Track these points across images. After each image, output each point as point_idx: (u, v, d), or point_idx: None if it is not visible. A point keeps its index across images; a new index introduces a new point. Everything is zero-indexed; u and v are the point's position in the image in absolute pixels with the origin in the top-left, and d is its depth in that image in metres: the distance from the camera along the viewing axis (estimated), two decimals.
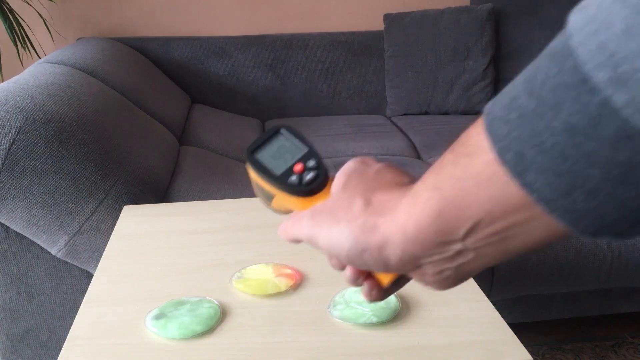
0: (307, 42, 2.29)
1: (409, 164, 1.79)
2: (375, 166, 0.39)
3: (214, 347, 0.66)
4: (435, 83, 2.22)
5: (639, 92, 0.21)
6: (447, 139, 2.00)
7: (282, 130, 0.46)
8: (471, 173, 0.28)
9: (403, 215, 0.32)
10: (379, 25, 2.33)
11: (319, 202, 0.40)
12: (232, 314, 0.72)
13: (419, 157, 1.95)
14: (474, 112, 2.25)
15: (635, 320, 1.71)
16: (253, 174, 0.44)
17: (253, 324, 0.70)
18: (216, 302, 0.73)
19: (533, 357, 1.25)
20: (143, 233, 0.92)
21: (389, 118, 2.31)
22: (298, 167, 0.43)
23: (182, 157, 1.62)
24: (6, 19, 1.92)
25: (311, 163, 0.43)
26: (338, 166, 1.74)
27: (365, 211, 0.34)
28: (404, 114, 2.29)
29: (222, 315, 0.71)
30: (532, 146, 0.25)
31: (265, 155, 0.44)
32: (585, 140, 0.23)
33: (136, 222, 0.96)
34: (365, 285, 0.38)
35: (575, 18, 0.24)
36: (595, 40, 0.22)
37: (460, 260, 0.31)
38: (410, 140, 2.05)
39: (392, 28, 2.24)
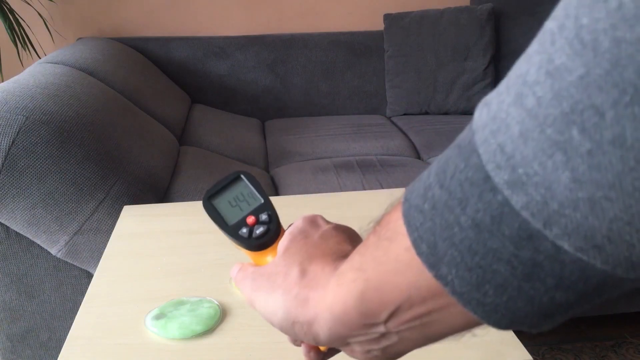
0: (307, 42, 2.28)
1: (409, 164, 1.79)
2: (322, 229, 0.40)
3: (214, 347, 0.66)
4: (435, 83, 2.22)
5: (536, 196, 0.21)
6: (447, 139, 2.00)
7: (242, 176, 0.45)
8: (391, 258, 0.29)
9: (331, 295, 0.32)
10: (379, 25, 2.33)
11: (268, 257, 0.42)
12: (232, 314, 0.72)
13: (419, 157, 1.95)
14: (473, 112, 2.24)
15: (635, 320, 1.71)
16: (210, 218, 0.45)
17: (253, 324, 0.70)
18: (216, 302, 0.73)
19: (533, 357, 1.25)
20: (143, 233, 0.92)
21: (389, 118, 2.31)
22: (250, 219, 0.43)
23: (182, 157, 1.62)
24: (6, 19, 1.92)
25: (263, 216, 0.43)
26: (338, 166, 1.74)
27: (300, 282, 0.35)
28: (404, 114, 2.29)
29: (222, 315, 0.71)
30: (443, 239, 0.25)
31: (222, 202, 0.44)
32: (489, 237, 0.23)
33: (136, 222, 0.96)
34: (304, 347, 0.39)
35: (480, 114, 0.25)
36: (494, 141, 0.23)
37: (385, 343, 0.31)
38: (410, 140, 2.05)
39: (392, 28, 2.24)
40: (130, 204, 1.09)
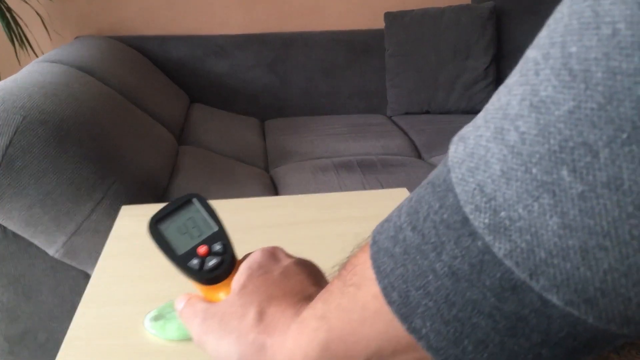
0: (307, 40, 2.28)
1: (410, 163, 1.78)
2: (283, 264, 0.37)
3: None
4: (436, 82, 2.21)
5: (521, 243, 0.19)
6: (448, 139, 1.99)
7: (194, 200, 0.41)
8: (357, 305, 0.26)
9: (291, 343, 0.30)
10: (379, 23, 2.32)
11: (220, 292, 0.38)
12: None
13: (419, 156, 1.94)
14: (475, 112, 2.24)
15: None
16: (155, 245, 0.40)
17: None
18: None
19: None
20: (141, 233, 0.91)
21: (390, 117, 2.30)
22: (202, 249, 0.39)
23: (181, 156, 1.61)
24: (3, 18, 1.91)
25: (217, 246, 0.39)
26: (339, 166, 1.73)
27: (257, 326, 0.33)
28: (405, 114, 2.28)
29: None
30: (417, 287, 0.23)
31: (170, 228, 0.40)
32: (468, 287, 0.21)
33: (134, 222, 0.95)
34: None
35: (456, 149, 0.23)
36: (473, 180, 0.21)
37: None
38: (411, 139, 2.04)
39: (393, 27, 2.23)
40: (128, 204, 1.08)
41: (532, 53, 0.20)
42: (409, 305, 0.23)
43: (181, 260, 0.38)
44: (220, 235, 0.40)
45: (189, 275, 0.38)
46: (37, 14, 2.08)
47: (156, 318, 0.69)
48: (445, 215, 0.22)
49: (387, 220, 0.26)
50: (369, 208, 0.99)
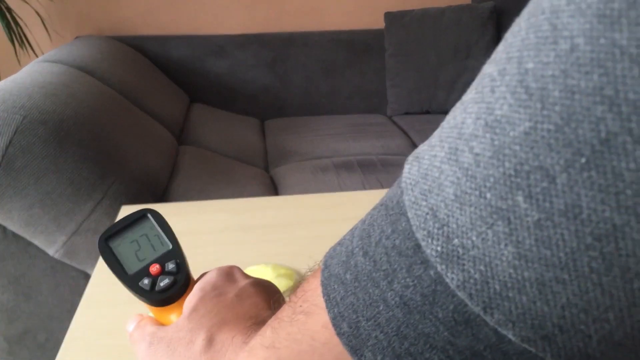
0: (307, 40, 2.27)
1: None
2: (239, 285, 0.35)
3: None
4: (437, 82, 2.21)
5: (474, 273, 0.18)
6: None
7: (149, 215, 0.39)
8: (307, 334, 0.25)
9: None
10: (379, 23, 2.32)
11: (172, 315, 0.36)
12: None
13: None
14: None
15: None
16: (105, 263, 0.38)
17: None
18: None
19: None
20: None
21: (390, 117, 2.30)
22: (154, 268, 0.36)
23: (181, 156, 1.61)
24: (3, 18, 1.91)
25: (170, 265, 0.37)
26: (339, 166, 1.72)
27: (205, 353, 0.31)
28: (405, 113, 2.28)
29: None
30: (367, 318, 0.21)
31: (121, 245, 0.38)
32: (421, 319, 0.20)
33: None
34: None
35: (410, 169, 0.21)
36: (426, 204, 0.19)
37: None
38: (411, 139, 2.04)
39: (393, 26, 2.23)
40: (128, 204, 1.08)
41: (488, 69, 0.19)
42: (359, 337, 0.22)
43: (131, 280, 0.36)
44: (175, 253, 0.38)
45: (139, 296, 0.36)
46: (37, 14, 2.08)
47: None
48: (397, 241, 0.20)
49: (339, 243, 0.25)
50: (369, 208, 0.98)
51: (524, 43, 0.17)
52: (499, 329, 0.18)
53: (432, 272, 0.19)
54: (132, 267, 0.37)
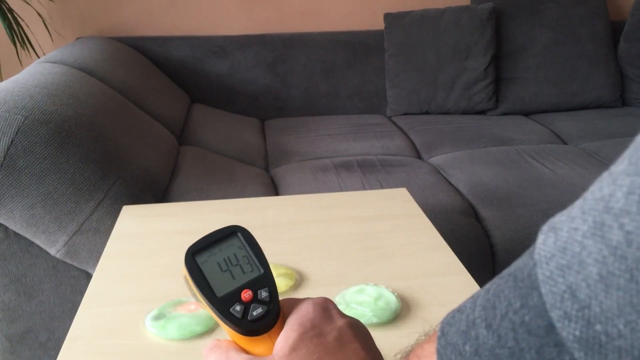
0: (307, 41, 2.28)
1: (410, 164, 1.78)
2: (337, 325, 0.33)
3: None
4: (436, 82, 2.21)
5: None
6: (447, 139, 2.00)
7: (239, 234, 0.36)
8: None
9: None
10: (379, 24, 2.33)
11: (260, 345, 0.33)
12: None
13: (419, 157, 1.94)
14: (474, 112, 2.25)
15: None
16: (190, 280, 0.34)
17: None
18: None
19: None
20: (142, 233, 0.92)
21: (390, 118, 2.30)
22: (246, 294, 0.33)
23: (182, 157, 1.62)
24: (5, 19, 1.91)
25: (263, 294, 0.33)
26: (339, 166, 1.73)
27: None
28: (405, 114, 2.28)
29: None
30: None
31: (209, 263, 0.34)
32: None
33: (135, 222, 0.96)
34: None
35: (545, 240, 0.19)
36: (563, 281, 0.17)
37: None
38: (410, 140, 2.05)
39: (393, 27, 2.23)
40: (129, 204, 1.09)
41: None
42: None
43: (221, 305, 0.33)
44: (267, 280, 0.34)
45: (228, 322, 0.33)
46: (39, 14, 2.09)
47: (157, 317, 0.69)
48: (527, 318, 0.18)
49: (459, 310, 0.23)
50: (369, 208, 0.99)
51: None
52: None
53: (567, 358, 0.17)
54: (221, 289, 0.33)
